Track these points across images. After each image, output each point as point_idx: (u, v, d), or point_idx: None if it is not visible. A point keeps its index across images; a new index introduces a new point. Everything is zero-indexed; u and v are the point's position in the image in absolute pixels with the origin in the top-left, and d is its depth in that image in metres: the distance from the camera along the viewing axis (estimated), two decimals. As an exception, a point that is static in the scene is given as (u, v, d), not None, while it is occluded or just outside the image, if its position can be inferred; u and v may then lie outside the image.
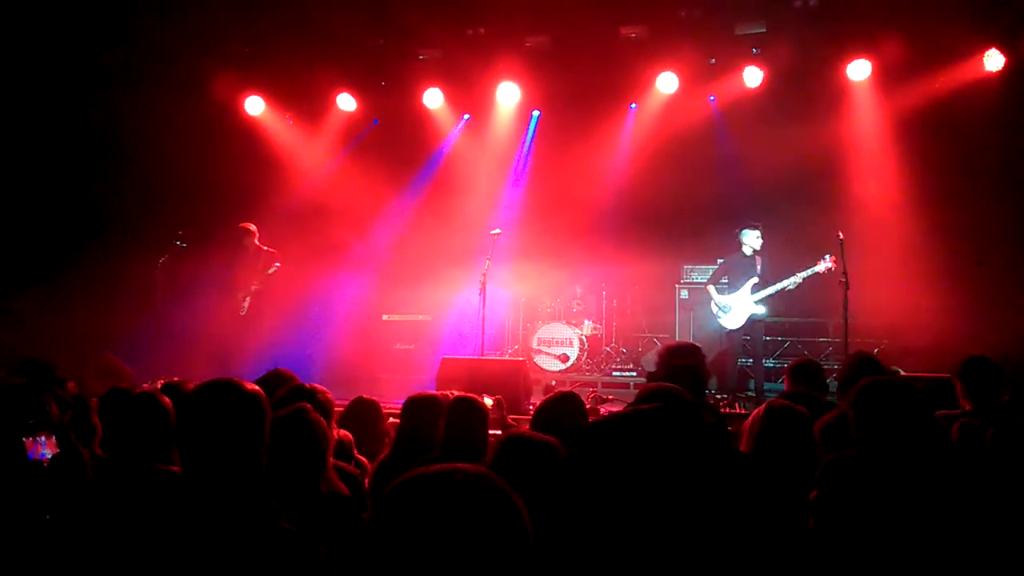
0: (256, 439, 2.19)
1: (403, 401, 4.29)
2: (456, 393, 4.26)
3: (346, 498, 2.69)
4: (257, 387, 2.27)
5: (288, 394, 3.83)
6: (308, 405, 2.88)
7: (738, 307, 9.06)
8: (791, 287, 8.84)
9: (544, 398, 4.01)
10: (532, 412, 6.61)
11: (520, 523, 1.33)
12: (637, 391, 3.21)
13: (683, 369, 4.64)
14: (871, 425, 2.71)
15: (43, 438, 2.98)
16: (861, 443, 2.74)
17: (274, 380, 4.36)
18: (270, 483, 2.21)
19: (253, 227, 9.84)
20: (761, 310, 9.03)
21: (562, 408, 3.94)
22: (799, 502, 2.88)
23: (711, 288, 9.32)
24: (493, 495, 1.33)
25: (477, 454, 3.59)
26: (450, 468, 1.34)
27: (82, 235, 10.31)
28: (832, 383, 5.84)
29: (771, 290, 8.90)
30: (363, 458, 4.09)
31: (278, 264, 9.55)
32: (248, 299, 9.61)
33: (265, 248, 9.74)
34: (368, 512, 2.83)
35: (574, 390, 4.33)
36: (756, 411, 3.42)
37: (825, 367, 9.19)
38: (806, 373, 4.78)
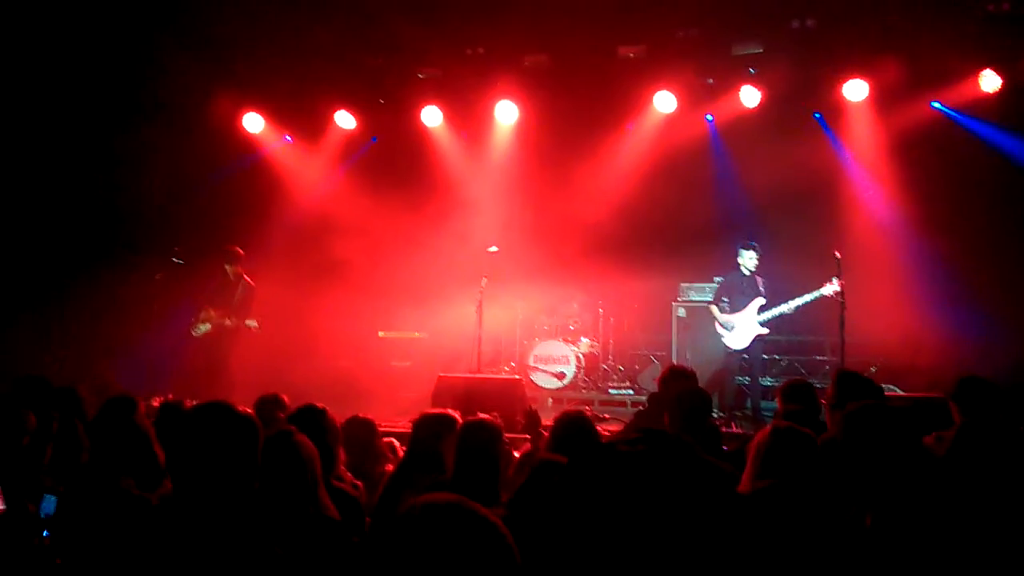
0: (248, 463, 2.18)
1: (397, 418, 4.27)
2: (454, 413, 4.23)
3: (335, 522, 2.67)
4: (250, 411, 2.27)
5: (292, 417, 3.82)
6: (293, 427, 2.85)
7: (743, 327, 9.05)
8: (797, 308, 8.87)
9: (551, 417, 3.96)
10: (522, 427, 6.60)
11: (507, 553, 1.34)
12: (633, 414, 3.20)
13: (688, 394, 4.65)
14: (860, 449, 2.71)
15: None
16: (851, 466, 2.74)
17: (270, 404, 4.37)
18: (260, 506, 2.20)
19: (238, 251, 9.18)
20: (766, 330, 9.03)
21: (574, 428, 3.93)
22: (808, 524, 2.87)
23: (714, 308, 9.30)
24: (481, 527, 1.34)
25: (493, 479, 3.51)
26: (440, 502, 1.36)
27: (80, 252, 10.30)
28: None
29: (777, 311, 8.90)
30: (359, 482, 4.06)
31: (258, 322, 8.91)
32: (209, 325, 8.98)
33: (247, 278, 9.17)
34: (360, 536, 2.81)
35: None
36: (761, 433, 3.40)
37: (822, 386, 9.19)
38: (799, 393, 4.78)
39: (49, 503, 3.31)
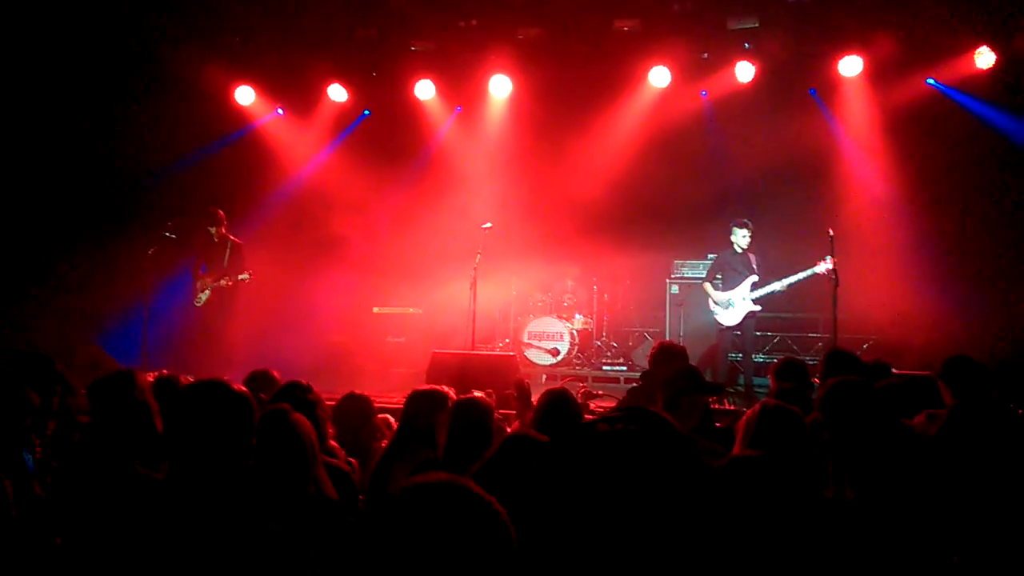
0: (243, 440, 2.18)
1: (392, 394, 4.28)
2: (447, 390, 4.23)
3: (331, 501, 2.67)
4: (245, 388, 2.27)
5: (278, 393, 3.81)
6: (288, 406, 2.83)
7: (736, 304, 9.06)
8: (790, 286, 8.88)
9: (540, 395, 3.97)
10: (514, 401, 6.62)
11: (504, 533, 1.34)
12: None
13: (684, 371, 4.65)
14: (837, 425, 2.73)
15: None
16: (830, 442, 2.76)
17: (261, 381, 4.35)
18: (256, 484, 2.21)
19: (220, 212, 9.34)
20: (758, 307, 9.05)
21: (558, 406, 3.94)
22: (794, 501, 2.89)
23: (707, 286, 9.30)
24: (479, 507, 1.34)
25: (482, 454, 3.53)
26: (437, 481, 1.36)
27: (71, 227, 10.22)
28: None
29: (769, 289, 8.91)
30: (353, 459, 4.06)
31: (250, 273, 9.11)
32: (208, 291, 9.22)
33: (232, 237, 9.38)
34: (355, 514, 2.82)
35: (564, 384, 4.34)
36: (749, 411, 3.42)
37: (814, 363, 9.24)
38: (792, 372, 4.80)
39: (28, 460, 3.30)
